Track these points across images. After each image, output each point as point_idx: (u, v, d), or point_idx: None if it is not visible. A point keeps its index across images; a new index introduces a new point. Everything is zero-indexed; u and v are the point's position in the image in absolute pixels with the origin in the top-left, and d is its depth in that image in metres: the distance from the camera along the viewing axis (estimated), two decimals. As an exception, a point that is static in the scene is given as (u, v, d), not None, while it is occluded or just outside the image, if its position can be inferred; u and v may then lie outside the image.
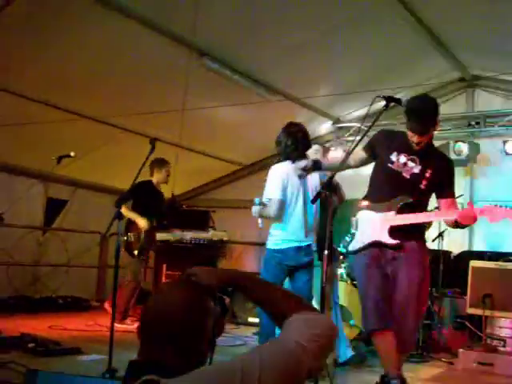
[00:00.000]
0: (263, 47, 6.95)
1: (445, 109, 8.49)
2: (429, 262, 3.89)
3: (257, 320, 8.00)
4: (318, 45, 6.90)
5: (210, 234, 8.20)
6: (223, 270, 1.84)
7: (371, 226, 3.76)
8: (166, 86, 7.24)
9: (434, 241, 7.04)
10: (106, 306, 7.25)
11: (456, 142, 7.94)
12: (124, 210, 6.76)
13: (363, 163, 4.08)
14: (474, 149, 8.08)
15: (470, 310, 6.38)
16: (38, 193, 8.86)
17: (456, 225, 3.60)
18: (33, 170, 8.20)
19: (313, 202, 3.33)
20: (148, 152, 4.68)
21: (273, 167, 4.95)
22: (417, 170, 3.73)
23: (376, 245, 3.76)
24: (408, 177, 3.74)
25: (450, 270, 7.10)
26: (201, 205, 10.25)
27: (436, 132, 8.25)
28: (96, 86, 7.13)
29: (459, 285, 6.88)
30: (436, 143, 7.19)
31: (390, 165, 3.81)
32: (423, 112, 3.65)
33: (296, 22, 6.51)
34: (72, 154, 6.00)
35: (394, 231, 3.68)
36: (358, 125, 8.77)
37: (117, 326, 7.02)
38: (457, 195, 6.90)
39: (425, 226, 3.94)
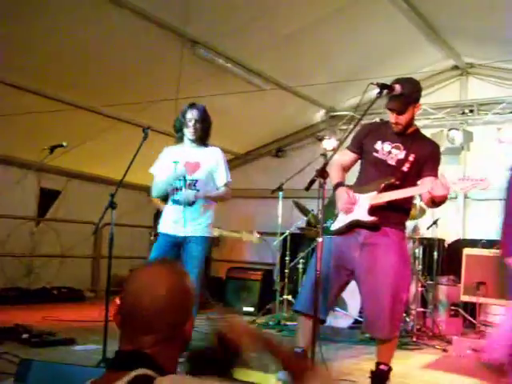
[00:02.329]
0: (256, 36, 6.92)
1: (438, 97, 8.53)
2: (410, 250, 3.89)
3: (251, 309, 8.03)
4: (311, 33, 6.88)
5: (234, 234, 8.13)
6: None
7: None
8: (160, 75, 7.21)
9: (428, 229, 7.06)
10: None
11: (450, 129, 7.95)
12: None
13: (354, 163, 4.06)
14: (468, 137, 8.10)
15: (464, 298, 6.42)
16: (31, 183, 8.82)
17: (432, 201, 3.58)
18: (26, 160, 8.15)
19: (307, 188, 3.32)
20: (141, 141, 4.65)
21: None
22: (401, 155, 3.73)
23: (352, 226, 3.76)
24: (393, 163, 3.74)
25: (444, 258, 7.12)
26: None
27: (429, 120, 8.35)
28: (88, 76, 7.09)
29: (453, 273, 6.91)
30: (429, 131, 7.27)
31: (374, 154, 3.81)
32: (400, 90, 3.63)
33: (289, 11, 6.49)
34: (64, 143, 5.94)
35: (373, 211, 3.68)
36: (352, 113, 8.77)
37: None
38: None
39: (405, 215, 3.89)
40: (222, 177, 4.86)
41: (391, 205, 3.67)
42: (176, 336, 1.51)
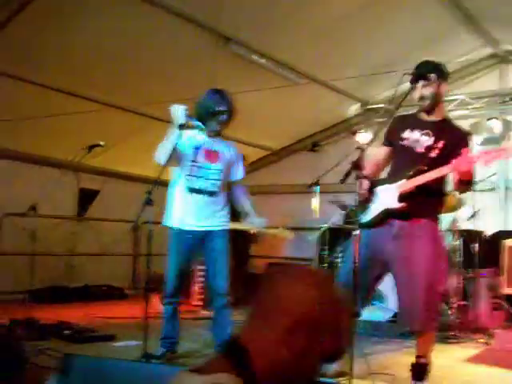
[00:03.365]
0: (289, 30, 6.89)
1: (476, 86, 8.36)
2: (449, 243, 3.82)
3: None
4: (344, 26, 6.83)
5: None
6: None
7: (383, 195, 3.74)
8: (194, 73, 7.23)
9: (468, 220, 6.94)
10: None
11: (489, 119, 7.80)
12: None
13: (389, 156, 4.03)
14: (507, 126, 7.94)
15: (507, 290, 6.29)
16: (70, 183, 8.97)
17: (460, 181, 3.53)
18: (64, 161, 8.27)
19: (342, 181, 3.30)
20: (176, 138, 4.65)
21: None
22: (430, 142, 3.69)
23: (383, 218, 3.72)
24: (422, 150, 3.69)
25: (485, 250, 6.99)
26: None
27: (468, 110, 8.19)
28: (124, 75, 7.17)
29: (494, 265, 6.78)
30: (468, 122, 7.15)
31: (403, 142, 3.79)
32: (423, 61, 3.72)
33: (321, 4, 6.46)
34: (102, 143, 6.04)
35: (403, 199, 3.63)
36: (387, 106, 8.67)
37: (160, 307, 7.11)
38: (489, 174, 6.84)
39: (438, 203, 3.83)
40: (240, 171, 4.73)
41: (421, 191, 3.62)
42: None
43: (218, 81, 6.83)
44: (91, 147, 6.02)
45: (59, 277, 8.63)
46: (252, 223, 4.69)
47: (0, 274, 8.11)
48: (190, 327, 5.88)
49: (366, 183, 3.74)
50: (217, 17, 6.29)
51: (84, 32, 6.26)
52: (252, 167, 10.60)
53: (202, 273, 7.57)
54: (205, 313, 7.05)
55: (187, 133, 4.55)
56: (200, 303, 7.74)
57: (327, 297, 1.27)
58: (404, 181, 3.67)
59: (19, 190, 7.97)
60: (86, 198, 9.29)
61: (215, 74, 6.72)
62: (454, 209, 6.43)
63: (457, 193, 6.26)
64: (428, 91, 3.69)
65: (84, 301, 8.12)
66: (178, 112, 4.39)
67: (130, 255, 9.98)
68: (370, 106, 9.34)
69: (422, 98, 3.71)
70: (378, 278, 3.87)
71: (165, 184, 7.99)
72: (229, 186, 4.73)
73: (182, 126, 4.36)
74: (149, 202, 4.22)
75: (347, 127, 9.73)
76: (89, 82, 7.14)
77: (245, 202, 4.76)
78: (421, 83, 3.67)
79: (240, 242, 8.29)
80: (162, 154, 4.44)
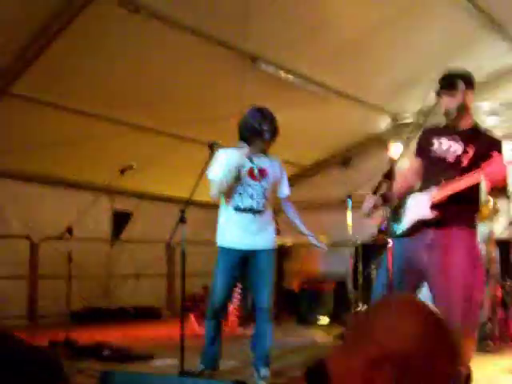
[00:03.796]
0: (316, 46, 6.92)
1: (507, 94, 8.24)
2: (486, 253, 3.76)
3: (325, 320, 7.97)
4: (370, 39, 6.82)
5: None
6: None
7: (416, 206, 3.71)
8: (222, 93, 7.31)
9: (505, 229, 6.83)
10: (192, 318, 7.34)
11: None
12: None
13: (420, 167, 4.00)
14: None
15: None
16: (104, 206, 9.08)
17: (493, 186, 3.47)
18: (98, 184, 8.40)
19: (374, 192, 3.29)
20: (208, 157, 4.69)
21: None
22: (459, 150, 3.64)
23: (416, 228, 3.68)
24: (452, 159, 3.66)
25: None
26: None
27: (499, 119, 8.06)
28: (153, 98, 7.27)
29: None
30: (500, 131, 7.04)
31: (432, 152, 3.75)
32: (448, 72, 3.67)
33: (346, 19, 6.47)
34: (134, 164, 6.12)
35: (436, 208, 3.59)
36: (417, 119, 8.60)
37: (196, 327, 7.15)
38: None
39: (472, 211, 3.77)
40: (287, 187, 4.82)
41: (454, 199, 3.58)
42: None
43: (247, 100, 6.88)
44: (123, 169, 6.11)
45: (96, 299, 8.73)
46: (312, 239, 4.77)
47: (38, 298, 8.25)
48: (227, 345, 5.88)
49: (373, 199, 3.75)
50: (243, 36, 6.34)
51: (112, 58, 6.38)
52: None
53: (238, 291, 7.57)
54: (241, 330, 7.05)
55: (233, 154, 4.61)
56: (236, 320, 7.74)
57: (428, 337, 1.13)
58: (434, 189, 3.64)
59: (55, 214, 8.12)
60: (120, 219, 9.39)
61: (243, 94, 6.77)
62: (489, 218, 6.35)
63: (491, 202, 6.21)
64: (453, 104, 3.65)
65: (121, 322, 8.19)
66: (241, 156, 4.48)
67: (165, 276, 10.02)
68: (401, 120, 9.28)
69: (447, 113, 3.68)
70: (415, 288, 3.83)
71: (197, 204, 8.09)
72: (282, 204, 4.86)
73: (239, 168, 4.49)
74: (183, 220, 4.27)
75: (378, 141, 9.68)
76: (120, 105, 7.26)
77: (295, 218, 4.84)
78: (445, 97, 3.65)
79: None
80: (219, 192, 4.56)
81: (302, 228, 4.82)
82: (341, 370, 1.13)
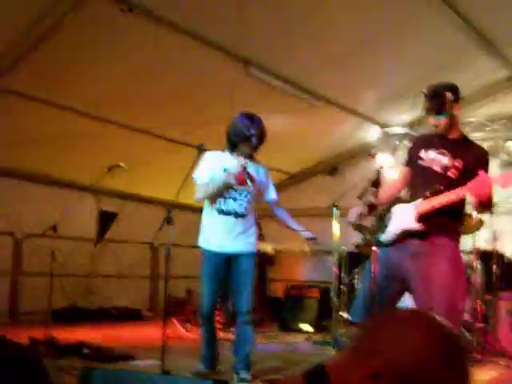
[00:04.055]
0: (308, 54, 6.96)
1: (494, 108, 8.33)
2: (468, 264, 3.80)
3: (308, 327, 7.99)
4: (362, 49, 6.87)
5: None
6: None
7: (401, 216, 3.74)
8: (213, 96, 7.32)
9: (488, 242, 6.88)
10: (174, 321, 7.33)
11: (505, 141, 7.78)
12: None
13: (408, 176, 4.04)
14: (526, 149, 7.90)
15: (528, 313, 6.22)
16: (90, 205, 9.07)
17: (479, 202, 3.52)
18: (84, 183, 8.38)
19: (359, 197, 3.32)
20: (195, 159, 4.71)
21: None
22: (446, 161, 3.69)
23: (401, 237, 3.72)
24: (439, 170, 3.70)
25: (505, 273, 6.93)
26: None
27: (484, 132, 8.16)
28: (143, 99, 7.26)
29: (516, 288, 6.71)
30: (485, 143, 7.11)
31: (419, 162, 3.80)
32: (433, 90, 3.68)
33: (340, 28, 6.52)
34: (122, 164, 6.13)
35: (421, 219, 3.63)
36: (406, 129, 8.68)
37: (179, 329, 7.15)
38: (508, 196, 6.79)
39: (457, 222, 3.81)
40: (274, 192, 4.90)
41: (440, 211, 3.62)
42: None
43: (238, 104, 6.91)
44: (111, 167, 6.11)
45: (78, 298, 8.69)
46: (304, 236, 4.84)
47: (20, 295, 8.20)
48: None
49: (359, 208, 3.79)
50: (236, 40, 6.37)
51: (102, 57, 6.38)
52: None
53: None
54: (223, 335, 7.03)
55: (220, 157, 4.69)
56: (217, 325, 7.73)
57: (434, 351, 1.07)
58: (421, 201, 3.67)
59: (40, 212, 8.08)
60: (106, 219, 9.36)
61: (235, 98, 6.79)
62: (473, 230, 6.40)
63: (476, 214, 6.26)
64: (443, 121, 3.70)
65: (103, 322, 8.15)
66: (238, 167, 4.53)
67: (148, 278, 10.01)
68: (389, 130, 9.34)
69: (436, 126, 3.73)
70: (397, 296, 3.86)
71: (183, 207, 8.09)
72: (270, 208, 4.95)
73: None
74: (169, 221, 4.28)
75: (366, 150, 9.73)
76: (106, 105, 7.24)
77: (289, 221, 4.93)
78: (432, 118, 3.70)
79: (257, 264, 8.30)
80: (203, 197, 4.64)
81: (295, 226, 4.90)
82: (341, 378, 1.10)
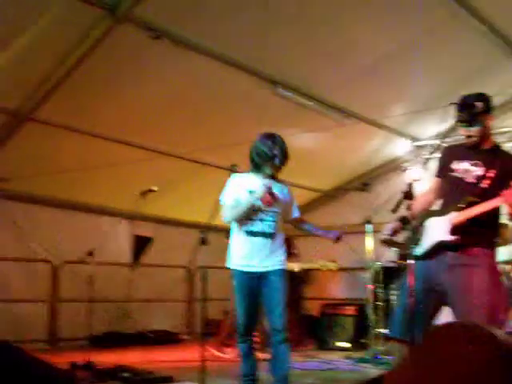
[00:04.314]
0: (334, 71, 6.99)
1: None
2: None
3: (346, 344, 7.92)
4: (389, 64, 6.89)
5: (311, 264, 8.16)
6: None
7: (435, 228, 3.70)
8: (242, 117, 7.39)
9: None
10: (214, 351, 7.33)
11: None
12: None
13: (441, 187, 4.01)
14: None
15: None
16: (125, 230, 9.16)
17: None
18: (119, 209, 8.48)
19: (394, 211, 3.31)
20: (228, 180, 4.74)
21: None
22: (480, 172, 3.64)
23: (436, 250, 3.68)
24: (472, 180, 3.65)
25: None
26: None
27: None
28: (174, 123, 7.36)
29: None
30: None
31: (452, 173, 3.75)
32: (465, 101, 3.62)
33: (365, 44, 6.54)
34: (155, 188, 6.20)
35: (456, 231, 3.59)
36: (437, 141, 8.60)
37: (216, 353, 7.15)
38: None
39: (492, 232, 3.75)
40: (296, 209, 4.93)
41: (474, 222, 3.58)
42: None
43: (266, 124, 6.94)
44: (144, 193, 6.19)
45: (116, 323, 8.75)
46: (330, 233, 4.86)
47: (59, 321, 8.30)
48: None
49: (392, 225, 3.78)
50: (262, 61, 6.43)
51: (137, 84, 6.50)
52: (303, 209, 10.55)
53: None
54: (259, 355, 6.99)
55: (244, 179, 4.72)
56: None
57: (500, 372, 1.00)
58: (455, 213, 3.64)
59: (76, 239, 8.19)
60: (140, 244, 9.45)
61: (262, 118, 6.83)
62: (508, 241, 6.30)
63: (511, 225, 6.16)
64: (475, 132, 3.66)
65: (141, 346, 8.19)
66: (263, 187, 4.55)
67: (185, 301, 10.04)
68: (420, 143, 9.29)
69: (468, 136, 3.69)
70: (437, 308, 3.81)
71: (217, 229, 8.13)
72: (292, 224, 4.97)
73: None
74: (204, 241, 4.30)
75: (397, 165, 9.68)
76: (141, 131, 7.36)
77: (312, 228, 5.05)
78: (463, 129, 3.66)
79: (291, 283, 8.27)
80: (231, 220, 4.64)
81: (320, 232, 5.02)
82: None
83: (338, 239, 4.90)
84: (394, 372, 1.12)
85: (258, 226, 4.62)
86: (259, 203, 4.60)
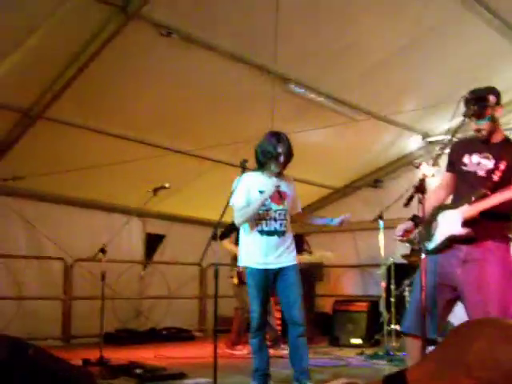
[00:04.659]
0: (344, 67, 6.97)
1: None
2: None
3: (358, 341, 7.91)
4: (400, 59, 6.85)
5: (310, 257, 8.22)
6: None
7: (447, 222, 3.69)
8: (253, 114, 7.38)
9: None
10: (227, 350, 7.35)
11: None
12: (226, 244, 6.98)
13: (453, 182, 3.99)
14: None
15: None
16: (137, 228, 9.20)
17: None
18: (131, 206, 8.50)
19: (406, 204, 3.30)
20: (239, 175, 4.75)
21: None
22: (491, 165, 3.62)
23: (449, 244, 3.66)
24: (483, 174, 3.63)
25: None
26: (295, 230, 10.30)
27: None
28: (184, 121, 7.37)
29: None
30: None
31: (463, 167, 3.73)
32: (474, 95, 3.61)
33: (376, 39, 6.51)
34: (167, 185, 6.22)
35: (468, 224, 3.57)
36: (449, 136, 8.55)
37: (227, 351, 7.17)
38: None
39: (505, 225, 3.71)
40: (299, 203, 5.04)
41: (486, 215, 3.55)
42: None
43: (277, 121, 6.96)
44: (156, 189, 6.21)
45: (129, 320, 8.80)
46: (334, 221, 4.90)
47: (72, 319, 8.34)
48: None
49: (405, 224, 3.81)
50: (273, 58, 6.42)
51: (148, 81, 6.52)
52: (315, 206, 10.58)
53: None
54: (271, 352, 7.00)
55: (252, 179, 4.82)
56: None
57: None
58: (467, 206, 3.62)
59: (88, 237, 8.24)
60: (153, 242, 9.49)
61: (274, 115, 6.82)
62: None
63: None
64: (485, 125, 3.64)
65: (153, 343, 8.23)
66: (273, 187, 4.65)
67: (197, 298, 10.06)
68: (432, 139, 9.24)
69: (478, 130, 3.67)
70: (450, 303, 3.79)
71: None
72: (298, 218, 5.09)
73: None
74: (214, 237, 4.33)
75: (409, 161, 9.64)
76: (153, 129, 7.38)
77: (317, 220, 5.27)
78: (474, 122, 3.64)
79: (305, 280, 8.27)
80: (243, 221, 4.76)
81: (324, 220, 5.08)
82: None
83: (341, 224, 4.95)
84: (417, 366, 1.11)
85: (270, 225, 4.73)
86: (269, 202, 4.66)
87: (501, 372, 0.95)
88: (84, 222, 8.57)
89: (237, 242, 6.97)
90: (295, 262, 4.81)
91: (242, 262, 4.87)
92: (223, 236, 7.10)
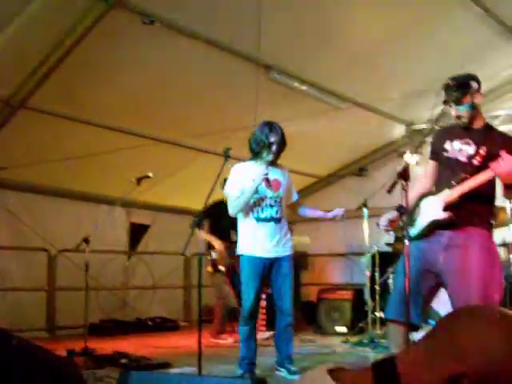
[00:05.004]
0: (329, 55, 6.95)
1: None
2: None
3: (343, 329, 7.95)
4: (384, 47, 6.85)
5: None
6: None
7: (429, 208, 3.71)
8: (236, 103, 7.36)
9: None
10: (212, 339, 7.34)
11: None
12: (201, 233, 6.96)
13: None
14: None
15: None
16: (121, 218, 9.15)
17: (505, 185, 3.47)
18: (114, 196, 8.46)
19: (389, 191, 3.31)
20: (222, 163, 4.74)
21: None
22: (471, 150, 3.64)
23: (431, 230, 3.68)
24: (464, 159, 3.65)
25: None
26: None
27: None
28: (167, 110, 7.33)
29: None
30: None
31: (445, 154, 3.76)
32: (455, 81, 3.64)
33: (360, 27, 6.50)
34: (150, 174, 6.18)
35: (450, 209, 3.58)
36: (433, 125, 8.58)
37: (213, 340, 7.17)
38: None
39: (487, 210, 3.73)
40: (295, 192, 5.21)
41: (467, 200, 3.57)
42: None
43: (260, 109, 6.94)
44: (140, 179, 6.17)
45: (114, 310, 8.76)
46: (336, 215, 5.13)
47: (57, 310, 8.30)
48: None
49: (390, 214, 3.85)
50: (256, 46, 6.39)
51: (130, 70, 6.46)
52: (299, 195, 10.53)
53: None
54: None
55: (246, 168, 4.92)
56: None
57: None
58: (447, 191, 3.64)
59: (72, 227, 8.17)
60: (137, 232, 9.45)
61: (257, 103, 6.81)
62: (504, 223, 6.31)
63: (507, 207, 6.17)
64: (464, 111, 3.65)
65: (138, 333, 8.22)
66: (261, 175, 4.72)
67: (182, 287, 10.06)
68: (416, 127, 9.26)
69: (458, 117, 3.68)
70: (433, 289, 3.81)
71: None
72: (292, 209, 5.23)
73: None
74: (198, 225, 4.36)
75: (393, 150, 9.67)
76: (135, 118, 7.32)
77: (314, 213, 5.42)
78: (454, 107, 3.65)
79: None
80: (238, 211, 4.84)
81: (320, 213, 5.30)
82: (414, 377, 1.02)
83: (341, 217, 5.05)
84: (405, 355, 1.10)
85: (266, 212, 4.82)
86: (265, 190, 4.72)
87: (493, 360, 0.94)
88: (68, 213, 8.50)
89: (210, 230, 7.00)
90: (291, 252, 4.92)
91: (239, 250, 4.95)
92: (197, 224, 7.07)
